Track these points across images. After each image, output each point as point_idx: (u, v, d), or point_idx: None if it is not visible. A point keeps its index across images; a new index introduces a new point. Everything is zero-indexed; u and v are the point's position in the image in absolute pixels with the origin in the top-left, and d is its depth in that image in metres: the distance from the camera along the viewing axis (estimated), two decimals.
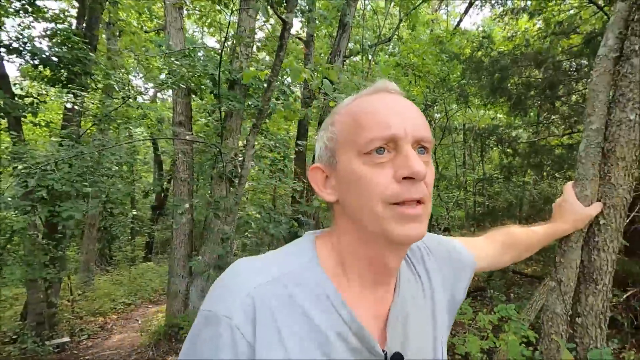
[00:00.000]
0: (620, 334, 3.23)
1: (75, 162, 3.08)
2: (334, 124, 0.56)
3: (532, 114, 5.14)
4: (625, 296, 3.26)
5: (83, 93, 3.72)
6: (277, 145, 4.65)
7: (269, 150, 5.38)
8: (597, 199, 1.04)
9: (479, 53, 4.30)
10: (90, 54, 3.59)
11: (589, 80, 1.11)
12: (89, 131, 4.52)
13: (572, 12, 4.54)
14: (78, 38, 3.75)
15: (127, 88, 4.50)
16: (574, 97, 4.24)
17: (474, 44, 4.78)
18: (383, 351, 0.53)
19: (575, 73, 3.67)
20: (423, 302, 0.62)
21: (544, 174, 4.99)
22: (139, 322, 5.81)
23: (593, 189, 1.03)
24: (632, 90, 0.98)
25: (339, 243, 0.56)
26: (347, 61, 6.98)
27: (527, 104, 3.86)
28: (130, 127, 5.44)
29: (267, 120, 5.18)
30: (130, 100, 4.32)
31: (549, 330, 1.06)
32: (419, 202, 0.50)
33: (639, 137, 1.00)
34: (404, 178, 0.49)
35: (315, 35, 6.89)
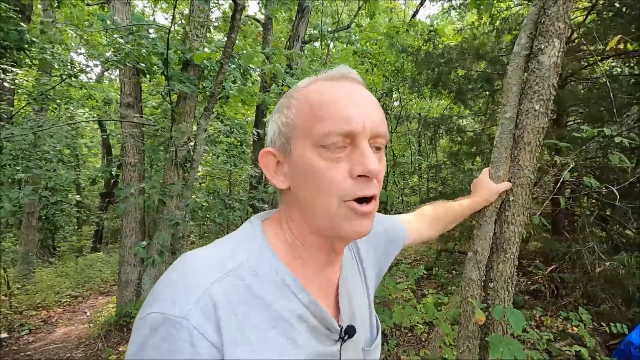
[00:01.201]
0: (542, 303, 3.66)
1: (7, 144, 2.81)
2: (290, 108, 0.54)
3: (480, 104, 5.50)
4: (548, 270, 3.68)
5: (15, 69, 3.37)
6: (233, 130, 4.56)
7: (225, 135, 5.27)
8: (509, 179, 1.18)
9: (429, 46, 4.49)
10: (21, 24, 3.24)
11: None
12: (22, 111, 4.12)
13: (517, 9, 4.87)
14: (6, 5, 3.38)
15: (67, 65, 4.15)
16: None
17: (424, 36, 4.99)
18: (339, 326, 0.56)
19: None
20: (358, 277, 0.68)
21: (487, 160, 5.39)
22: (88, 314, 5.54)
23: (505, 170, 1.17)
24: (538, 84, 1.12)
25: (289, 229, 0.56)
26: (306, 47, 6.94)
27: (467, 95, 4.13)
28: (71, 108, 5.05)
29: (224, 105, 5.05)
30: (71, 78, 3.98)
31: (466, 294, 1.21)
32: (370, 198, 0.51)
33: (543, 125, 1.15)
34: (359, 175, 0.49)
35: (274, 18, 6.76)
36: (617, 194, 2.05)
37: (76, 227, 10.01)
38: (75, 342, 4.48)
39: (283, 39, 8.08)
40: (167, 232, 2.52)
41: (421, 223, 0.94)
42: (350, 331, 0.57)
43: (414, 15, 8.13)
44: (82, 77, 6.80)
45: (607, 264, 2.92)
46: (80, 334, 4.71)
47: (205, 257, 0.50)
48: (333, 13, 7.51)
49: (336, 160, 0.49)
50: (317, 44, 7.63)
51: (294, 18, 6.49)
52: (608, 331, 2.77)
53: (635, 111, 1.84)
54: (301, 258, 0.55)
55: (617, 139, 1.75)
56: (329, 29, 7.28)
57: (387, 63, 7.16)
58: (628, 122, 1.93)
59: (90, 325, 4.82)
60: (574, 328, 3.10)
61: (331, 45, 7.61)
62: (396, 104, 9.44)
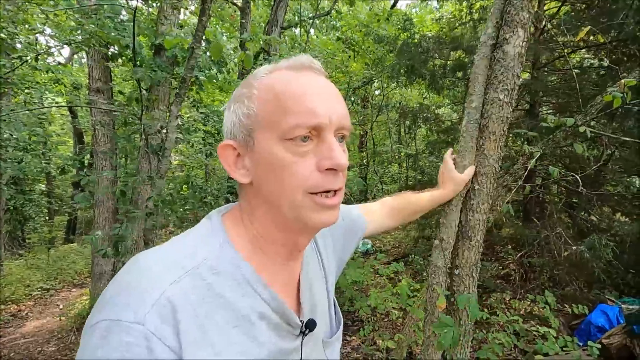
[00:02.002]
0: (512, 287, 3.82)
1: None
2: (252, 99, 0.51)
3: (456, 92, 5.57)
4: (518, 255, 3.83)
5: None
6: (209, 119, 4.44)
7: (202, 123, 5.13)
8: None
9: (406, 35, 4.49)
10: None
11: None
12: None
13: None
14: None
15: (29, 47, 3.89)
16: None
17: (399, 25, 4.98)
18: (300, 320, 0.56)
19: None
20: (318, 268, 0.68)
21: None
22: (60, 307, 5.39)
23: (470, 159, 1.19)
24: (502, 74, 1.13)
25: (251, 223, 0.54)
26: (285, 33, 6.80)
27: (441, 83, 4.18)
28: (32, 92, 4.77)
29: (200, 92, 4.91)
30: (36, 61, 3.73)
31: (432, 281, 1.23)
32: (336, 190, 0.51)
33: (507, 114, 1.16)
34: (327, 169, 0.49)
35: (252, 2, 6.56)
36: (580, 181, 2.13)
37: (47, 217, 9.65)
38: (47, 336, 4.36)
39: (262, 24, 7.88)
40: (128, 224, 2.45)
41: (382, 213, 0.95)
42: (310, 325, 0.57)
43: (394, 5, 8.08)
44: (50, 61, 6.45)
45: (574, 248, 3.06)
46: (52, 328, 4.59)
47: (161, 258, 0.48)
48: None
49: (302, 154, 0.48)
50: (296, 30, 7.48)
51: (272, 2, 6.31)
52: (571, 312, 2.92)
53: (599, 101, 1.90)
54: (263, 253, 0.54)
55: (581, 129, 1.80)
56: (309, 15, 7.14)
57: (369, 51, 7.13)
58: (592, 112, 1.99)
59: (63, 318, 4.69)
60: (540, 310, 3.26)
61: (312, 32, 7.48)
62: (377, 92, 9.46)
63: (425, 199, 1.07)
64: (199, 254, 0.49)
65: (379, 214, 0.93)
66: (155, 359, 0.40)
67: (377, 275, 3.48)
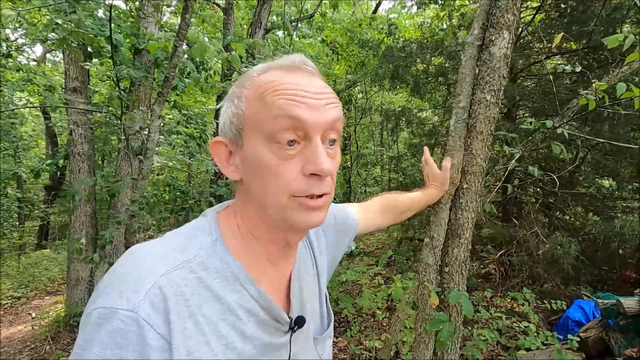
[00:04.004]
0: (493, 285, 3.92)
1: None
2: (241, 99, 0.52)
3: (438, 96, 5.69)
4: (498, 254, 3.94)
5: None
6: (191, 120, 4.36)
7: (184, 125, 5.03)
8: (462, 167, 1.23)
9: (390, 39, 4.56)
10: None
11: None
12: None
13: (474, 7, 5.05)
14: None
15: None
16: None
17: (384, 29, 5.05)
18: (289, 317, 0.56)
19: None
20: (311, 266, 0.68)
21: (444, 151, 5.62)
22: (33, 315, 5.14)
23: (459, 158, 1.21)
24: (489, 75, 1.16)
25: (242, 221, 0.55)
26: (269, 35, 6.77)
27: (425, 88, 4.27)
28: (5, 90, 4.56)
29: (181, 94, 4.82)
30: (6, 59, 3.56)
31: (423, 278, 1.25)
32: (322, 194, 0.50)
33: (494, 114, 1.20)
34: (311, 174, 0.48)
35: (234, 2, 6.50)
36: (557, 181, 2.22)
37: (17, 222, 9.20)
38: (19, 346, 4.15)
39: (245, 25, 7.82)
40: (114, 227, 2.39)
41: (373, 212, 0.96)
42: (299, 322, 0.58)
43: (375, 10, 8.19)
44: (21, 59, 6.18)
45: (547, 246, 3.17)
46: (24, 337, 4.37)
47: (155, 251, 0.49)
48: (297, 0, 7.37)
49: (288, 157, 0.48)
50: (280, 33, 7.46)
51: (256, 3, 6.27)
52: (549, 308, 3.03)
53: (574, 104, 1.98)
54: (254, 251, 0.55)
55: (558, 131, 1.87)
56: (293, 18, 7.14)
57: (353, 55, 7.19)
58: (568, 114, 2.07)
59: (36, 327, 4.47)
60: (520, 307, 3.36)
61: (293, 34, 7.47)
62: (360, 95, 9.55)
63: (413, 198, 1.09)
64: (191, 250, 0.50)
65: (369, 213, 0.94)
66: (146, 344, 0.42)
67: (365, 277, 3.50)
